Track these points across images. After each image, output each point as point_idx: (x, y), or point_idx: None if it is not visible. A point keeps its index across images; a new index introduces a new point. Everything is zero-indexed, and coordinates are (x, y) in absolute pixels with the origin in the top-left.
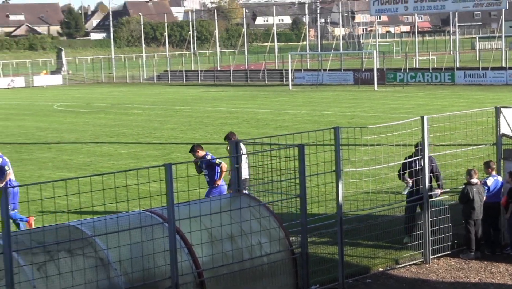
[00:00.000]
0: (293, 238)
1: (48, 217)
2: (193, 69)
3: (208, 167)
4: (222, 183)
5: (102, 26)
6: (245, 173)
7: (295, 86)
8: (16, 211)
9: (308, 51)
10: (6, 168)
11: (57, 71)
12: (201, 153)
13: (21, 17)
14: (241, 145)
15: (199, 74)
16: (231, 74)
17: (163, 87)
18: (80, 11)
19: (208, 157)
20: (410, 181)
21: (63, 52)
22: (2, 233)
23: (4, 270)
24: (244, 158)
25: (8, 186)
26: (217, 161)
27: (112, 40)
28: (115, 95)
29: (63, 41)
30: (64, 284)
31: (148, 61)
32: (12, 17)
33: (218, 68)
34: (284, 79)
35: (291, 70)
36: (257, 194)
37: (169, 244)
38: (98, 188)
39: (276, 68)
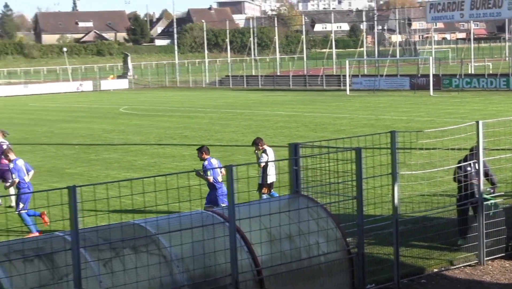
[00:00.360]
0: (350, 238)
1: (114, 215)
2: (253, 74)
3: (205, 172)
4: (222, 186)
5: (166, 33)
6: (272, 177)
7: (352, 91)
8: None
9: (365, 57)
10: (14, 176)
11: (123, 75)
12: (205, 156)
13: (89, 24)
14: (269, 150)
15: (260, 79)
16: (291, 79)
17: (225, 92)
18: (145, 18)
19: (206, 163)
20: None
21: (129, 58)
22: (70, 230)
23: (72, 266)
24: (271, 162)
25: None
26: (208, 173)
27: (176, 46)
28: (178, 99)
29: (129, 47)
30: (128, 280)
31: (211, 67)
32: (81, 24)
33: (278, 74)
34: (341, 84)
35: (349, 75)
36: (315, 195)
37: (230, 242)
38: (162, 188)
39: (334, 73)
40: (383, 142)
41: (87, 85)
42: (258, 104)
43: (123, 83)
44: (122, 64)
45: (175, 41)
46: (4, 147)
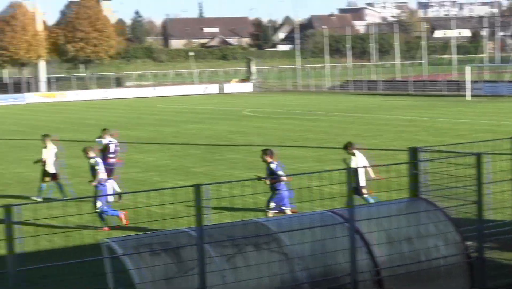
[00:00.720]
0: (470, 242)
1: (236, 213)
2: (373, 79)
3: (270, 174)
4: (284, 188)
5: (288, 39)
6: (362, 179)
7: (473, 97)
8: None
9: (486, 63)
10: (96, 167)
11: (246, 79)
12: (268, 159)
13: (215, 29)
14: (359, 154)
15: (380, 84)
16: (410, 84)
17: (345, 96)
18: (268, 25)
19: (273, 166)
20: None
21: (252, 62)
22: (195, 227)
23: (197, 260)
24: (361, 164)
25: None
26: (279, 173)
27: (297, 51)
28: (299, 102)
29: (252, 52)
30: (251, 276)
31: (331, 71)
32: (206, 30)
33: (398, 79)
34: (461, 90)
35: (469, 81)
36: (434, 199)
37: (349, 243)
38: None
39: (454, 79)
40: (505, 148)
41: (212, 88)
42: (377, 109)
43: (247, 87)
44: (245, 68)
45: (297, 46)
46: (112, 146)
